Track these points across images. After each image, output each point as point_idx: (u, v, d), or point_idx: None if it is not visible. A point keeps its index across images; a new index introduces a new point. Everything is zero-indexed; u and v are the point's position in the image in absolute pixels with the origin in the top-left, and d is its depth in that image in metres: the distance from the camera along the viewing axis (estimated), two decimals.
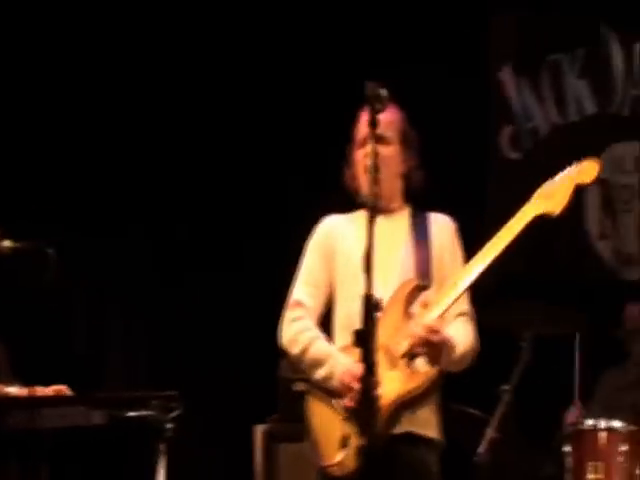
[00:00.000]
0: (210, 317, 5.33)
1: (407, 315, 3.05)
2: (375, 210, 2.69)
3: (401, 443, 2.99)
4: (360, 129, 3.17)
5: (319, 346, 3.10)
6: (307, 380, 3.13)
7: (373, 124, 2.76)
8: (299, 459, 4.00)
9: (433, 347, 2.97)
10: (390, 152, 3.12)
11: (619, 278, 5.33)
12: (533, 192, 4.98)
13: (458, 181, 5.10)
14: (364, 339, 2.58)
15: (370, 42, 5.19)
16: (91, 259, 5.17)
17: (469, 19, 5.20)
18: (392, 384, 2.97)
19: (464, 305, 3.13)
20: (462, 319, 3.10)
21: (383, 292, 2.93)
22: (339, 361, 3.04)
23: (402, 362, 3.00)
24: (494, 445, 3.85)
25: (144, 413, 3.71)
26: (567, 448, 4.01)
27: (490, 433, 3.84)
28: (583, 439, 4.03)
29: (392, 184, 3.17)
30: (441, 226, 3.20)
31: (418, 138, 3.18)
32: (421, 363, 3.03)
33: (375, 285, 2.91)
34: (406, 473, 3.00)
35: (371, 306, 2.59)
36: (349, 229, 3.19)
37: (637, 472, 3.89)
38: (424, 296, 3.06)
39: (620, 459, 3.92)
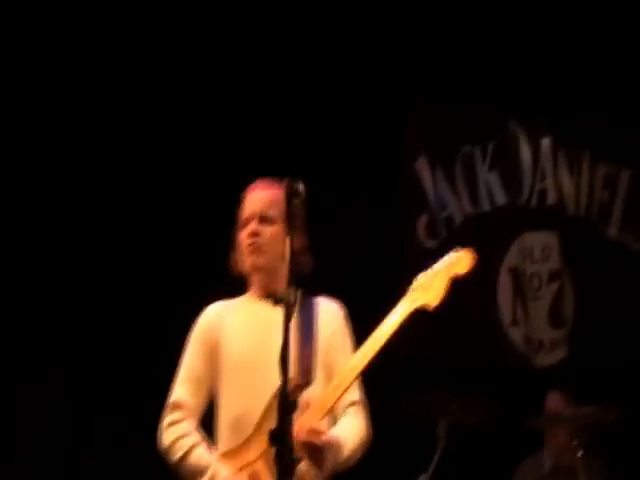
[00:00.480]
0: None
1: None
2: (287, 305, 2.64)
3: None
4: (244, 209, 3.13)
5: (198, 455, 3.00)
6: None
7: (290, 218, 2.73)
8: None
9: (316, 451, 2.88)
10: (273, 232, 3.07)
11: (531, 364, 5.46)
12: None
13: (375, 267, 5.16)
14: (280, 439, 2.54)
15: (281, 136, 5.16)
16: None
17: (385, 110, 5.27)
18: None
19: (355, 394, 3.07)
20: (352, 410, 3.05)
21: (265, 389, 2.90)
22: (219, 473, 2.95)
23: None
24: None
25: None
26: None
27: None
28: None
29: (276, 266, 3.08)
30: (330, 314, 3.14)
31: (305, 220, 3.04)
32: (306, 469, 2.93)
33: (256, 382, 2.97)
34: None
35: (287, 404, 2.57)
36: (234, 318, 3.11)
37: None
38: (305, 396, 2.95)
39: None
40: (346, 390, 2.94)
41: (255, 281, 3.16)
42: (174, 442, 3.04)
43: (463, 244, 5.25)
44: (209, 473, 2.97)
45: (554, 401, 4.87)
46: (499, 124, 5.60)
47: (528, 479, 4.83)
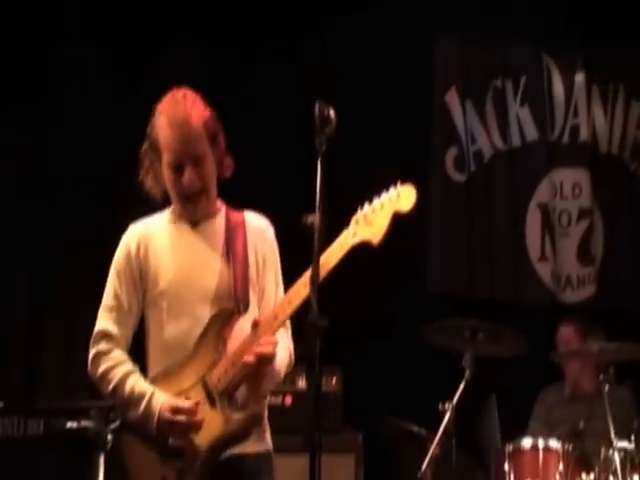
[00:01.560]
0: None
1: (223, 346, 2.91)
2: (317, 231, 2.54)
3: (226, 470, 2.87)
4: (167, 146, 2.96)
5: (132, 383, 2.92)
6: (121, 420, 2.97)
7: (321, 146, 2.59)
8: None
9: (259, 375, 2.84)
10: (207, 169, 2.98)
11: (558, 301, 5.43)
12: (475, 214, 5.41)
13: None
14: (311, 368, 2.47)
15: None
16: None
17: (416, 41, 5.24)
18: (210, 427, 2.85)
19: None
20: (281, 331, 2.97)
21: (197, 314, 2.87)
22: (156, 398, 2.87)
23: (222, 398, 2.88)
24: (436, 462, 3.91)
25: (83, 424, 3.71)
26: (506, 466, 4.09)
27: (432, 449, 3.89)
28: (522, 458, 4.11)
29: (211, 192, 3.02)
30: (259, 231, 3.05)
31: (219, 120, 2.98)
32: (241, 397, 2.90)
33: (188, 306, 2.90)
34: None
35: (319, 332, 2.49)
36: (161, 242, 3.01)
37: None
38: (241, 322, 2.92)
39: (557, 478, 4.02)
40: (296, 308, 2.84)
41: (190, 213, 3.04)
42: (106, 372, 2.95)
43: (492, 179, 5.52)
44: (145, 400, 2.88)
45: (563, 334, 4.87)
46: (532, 58, 5.55)
47: (549, 403, 4.87)
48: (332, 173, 2.60)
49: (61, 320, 5.02)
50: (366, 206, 2.86)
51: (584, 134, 5.53)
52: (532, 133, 5.56)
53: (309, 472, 2.44)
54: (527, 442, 4.16)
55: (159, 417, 2.86)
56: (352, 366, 4.74)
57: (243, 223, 3.03)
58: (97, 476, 3.73)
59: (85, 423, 3.74)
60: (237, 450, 2.90)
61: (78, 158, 4.98)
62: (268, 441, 3.01)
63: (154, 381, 2.95)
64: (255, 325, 2.87)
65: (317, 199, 2.56)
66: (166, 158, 2.99)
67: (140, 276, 3.00)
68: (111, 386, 2.94)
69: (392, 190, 2.85)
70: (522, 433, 4.41)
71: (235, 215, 3.06)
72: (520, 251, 5.47)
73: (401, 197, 2.84)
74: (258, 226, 3.08)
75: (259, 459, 2.96)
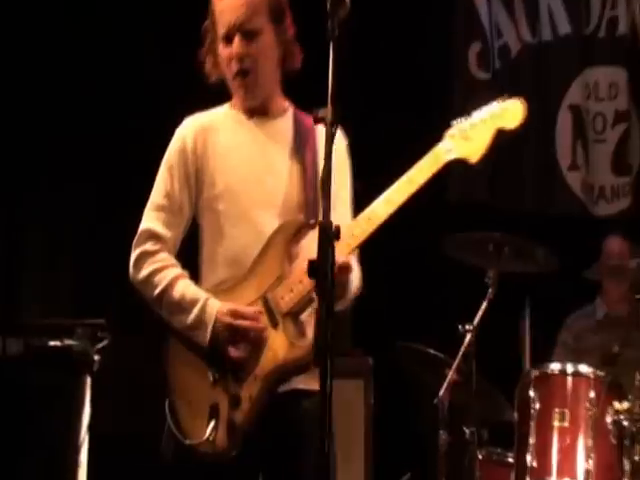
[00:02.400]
0: None
1: (290, 261, 2.73)
2: (330, 124, 2.32)
3: (283, 403, 2.68)
4: (221, 16, 2.80)
5: (184, 286, 2.73)
6: (169, 329, 2.75)
7: (333, 30, 2.38)
8: None
9: (341, 287, 2.64)
10: (261, 46, 2.78)
11: (590, 213, 5.23)
12: None
13: (423, 98, 5.01)
14: (321, 270, 2.24)
15: None
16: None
17: None
18: (271, 351, 2.66)
19: None
20: (352, 257, 2.80)
21: (261, 222, 2.71)
22: (212, 302, 2.69)
23: (286, 320, 2.68)
24: (455, 388, 3.79)
25: (67, 343, 3.52)
26: (532, 393, 3.86)
27: (451, 374, 3.77)
28: (549, 384, 3.89)
29: (269, 79, 2.82)
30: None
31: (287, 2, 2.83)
32: (308, 321, 2.70)
33: (250, 213, 2.73)
34: (292, 434, 2.66)
35: (329, 235, 2.27)
36: (221, 137, 2.84)
37: (607, 420, 3.75)
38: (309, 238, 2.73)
39: (587, 405, 3.78)
40: (376, 229, 2.69)
41: (243, 98, 2.85)
42: (152, 275, 2.75)
43: (519, 77, 5.30)
44: (200, 304, 2.68)
45: (615, 246, 4.73)
46: None
47: (577, 330, 4.73)
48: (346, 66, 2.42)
49: (41, 237, 4.88)
50: (463, 120, 2.76)
51: (622, 27, 5.23)
52: (564, 26, 5.30)
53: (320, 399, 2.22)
54: (555, 367, 3.94)
55: (216, 321, 2.66)
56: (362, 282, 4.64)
57: (313, 129, 2.81)
58: (83, 400, 3.62)
59: (69, 342, 3.59)
60: (300, 384, 2.68)
61: None
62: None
63: (208, 290, 2.75)
64: (336, 232, 2.57)
65: (329, 89, 2.35)
66: (218, 31, 2.81)
67: (196, 174, 2.81)
68: (158, 290, 2.73)
69: (495, 103, 2.75)
70: (549, 359, 4.33)
71: (305, 118, 2.86)
72: (548, 158, 5.26)
73: (507, 112, 2.73)
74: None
75: (311, 396, 2.69)
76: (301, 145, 2.81)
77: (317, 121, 2.43)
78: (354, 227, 2.68)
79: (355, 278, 2.75)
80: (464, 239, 4.07)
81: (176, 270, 2.76)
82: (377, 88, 4.90)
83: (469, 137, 2.73)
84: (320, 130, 2.80)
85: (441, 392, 3.75)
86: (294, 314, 2.69)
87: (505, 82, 5.25)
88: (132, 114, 4.94)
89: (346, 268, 2.62)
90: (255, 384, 2.63)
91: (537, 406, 3.83)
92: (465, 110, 4.86)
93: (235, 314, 2.65)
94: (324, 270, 2.24)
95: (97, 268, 4.84)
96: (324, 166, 2.31)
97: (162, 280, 2.74)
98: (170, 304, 2.72)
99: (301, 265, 2.66)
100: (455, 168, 5.11)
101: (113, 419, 4.26)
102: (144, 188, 2.87)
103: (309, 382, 2.65)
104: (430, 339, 4.14)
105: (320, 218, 2.52)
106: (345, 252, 2.62)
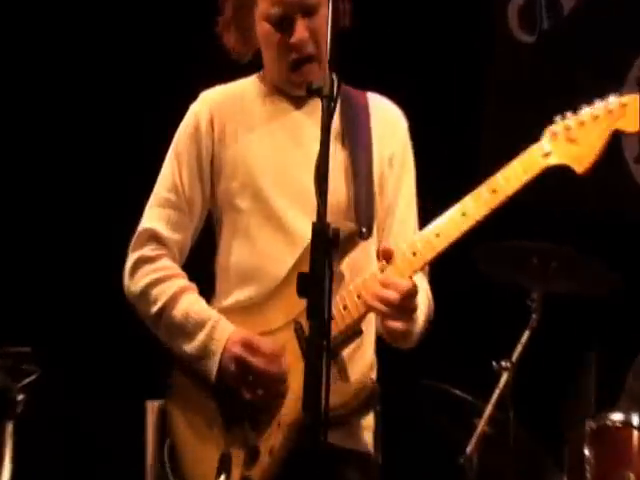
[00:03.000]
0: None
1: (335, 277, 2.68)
2: (327, 98, 2.36)
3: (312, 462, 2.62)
4: None
5: (189, 303, 2.79)
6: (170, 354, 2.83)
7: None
8: None
9: (390, 325, 2.68)
10: (322, 22, 2.83)
11: None
12: (548, 89, 5.26)
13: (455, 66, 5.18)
14: (314, 286, 2.24)
15: None
16: None
17: None
18: (298, 393, 2.61)
19: None
20: (419, 275, 2.86)
21: (295, 226, 2.76)
22: (222, 326, 2.74)
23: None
24: (486, 442, 3.83)
25: None
26: (587, 452, 3.84)
27: (481, 425, 3.81)
28: (609, 440, 3.86)
29: (325, 57, 2.83)
30: (388, 122, 2.95)
31: None
32: (357, 359, 2.78)
33: (281, 215, 2.78)
34: None
35: (325, 240, 2.28)
36: (246, 111, 2.90)
37: None
38: (379, 243, 2.83)
39: None
40: (451, 244, 2.71)
41: (285, 79, 2.89)
42: (150, 286, 2.80)
43: (574, 39, 5.32)
44: (207, 327, 2.73)
45: None
46: None
47: None
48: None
49: None
50: (569, 115, 2.73)
51: None
52: None
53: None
54: (617, 418, 3.89)
55: (225, 351, 2.71)
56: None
57: (366, 107, 2.92)
58: (2, 454, 3.63)
59: None
60: (335, 440, 2.66)
61: None
62: (370, 439, 2.85)
63: (224, 315, 2.82)
64: (386, 256, 2.69)
65: (327, 53, 2.43)
66: (264, 8, 2.86)
67: (211, 163, 2.88)
68: (156, 307, 2.78)
69: (612, 98, 2.70)
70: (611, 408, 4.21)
71: (355, 94, 2.95)
72: (610, 147, 5.19)
73: (627, 110, 2.69)
74: (388, 114, 2.96)
75: (360, 461, 2.81)
76: (350, 129, 2.86)
77: (310, 93, 2.46)
78: (417, 244, 2.70)
79: (423, 304, 2.80)
80: (501, 250, 4.07)
81: (181, 282, 2.80)
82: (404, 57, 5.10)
83: (576, 139, 2.70)
84: (375, 106, 2.91)
85: (469, 448, 3.75)
86: (335, 347, 2.67)
87: (555, 46, 5.35)
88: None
89: (409, 293, 2.64)
90: (278, 434, 2.66)
91: (594, 469, 3.81)
92: (503, 84, 4.93)
93: (249, 346, 2.68)
94: (318, 287, 2.21)
95: (22, 282, 4.97)
96: (320, 153, 2.30)
97: (162, 294, 2.78)
98: (170, 325, 2.77)
99: (346, 284, 2.73)
100: (488, 154, 5.31)
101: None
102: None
103: (346, 439, 2.73)
104: (456, 378, 4.15)
105: (354, 224, 2.68)
106: (407, 273, 2.67)
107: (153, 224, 2.85)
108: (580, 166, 2.71)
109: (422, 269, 2.76)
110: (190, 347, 2.74)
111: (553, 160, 2.71)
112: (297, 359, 2.69)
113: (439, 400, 4.19)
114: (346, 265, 2.76)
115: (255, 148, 2.86)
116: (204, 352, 2.72)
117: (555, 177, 5.19)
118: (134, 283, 2.83)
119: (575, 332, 4.62)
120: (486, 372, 3.86)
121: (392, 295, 2.62)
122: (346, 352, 2.74)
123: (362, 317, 2.71)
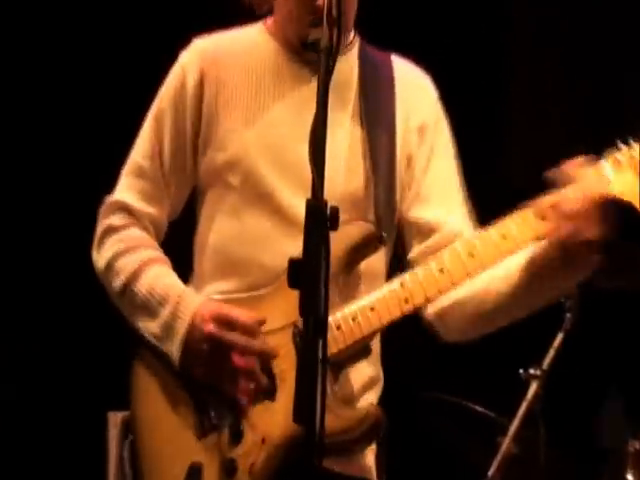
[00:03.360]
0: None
1: (346, 285, 2.75)
2: (324, 53, 2.33)
3: None
4: None
5: (154, 276, 2.76)
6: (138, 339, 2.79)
7: None
8: None
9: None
10: None
11: None
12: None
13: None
14: (308, 275, 2.19)
15: None
16: None
17: None
18: (290, 412, 2.52)
19: None
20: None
21: (301, 221, 2.57)
22: (185, 302, 2.70)
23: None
24: (512, 465, 3.85)
25: None
26: (630, 476, 3.95)
27: (506, 444, 3.84)
28: None
29: (350, 23, 2.87)
30: (416, 89, 2.92)
31: None
32: (361, 379, 2.78)
33: (279, 202, 2.75)
34: None
35: (323, 219, 2.25)
36: (245, 68, 2.86)
37: None
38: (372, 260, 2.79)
39: None
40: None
41: (296, 26, 2.81)
42: (115, 257, 2.79)
43: None
44: (172, 300, 2.69)
45: None
46: None
47: None
48: None
49: None
50: (634, 144, 2.68)
51: None
52: None
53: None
54: None
55: (191, 329, 2.65)
56: None
57: (390, 74, 2.89)
58: None
59: None
60: (333, 464, 2.65)
61: None
62: (372, 463, 2.86)
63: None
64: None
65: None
66: None
67: (197, 128, 2.84)
68: (120, 280, 2.77)
69: None
70: None
71: (379, 58, 2.92)
72: None
73: None
74: (415, 81, 2.92)
75: None
76: (370, 103, 2.83)
77: (307, 47, 2.47)
78: (477, 243, 2.67)
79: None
80: None
81: (149, 252, 2.79)
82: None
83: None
84: (400, 71, 2.86)
85: (491, 471, 3.79)
86: (337, 364, 2.68)
87: None
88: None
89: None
90: (261, 450, 2.62)
91: None
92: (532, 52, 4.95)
93: (223, 319, 2.62)
94: (313, 276, 2.17)
95: None
96: (316, 116, 2.27)
97: (126, 266, 2.76)
98: (134, 301, 2.74)
99: (360, 294, 2.72)
100: (520, 136, 5.26)
101: None
102: None
103: (343, 463, 2.71)
104: (475, 390, 4.18)
105: (374, 226, 2.68)
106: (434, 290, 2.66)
107: (123, 195, 2.84)
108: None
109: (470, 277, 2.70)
110: (153, 326, 2.70)
111: (613, 188, 2.66)
112: (292, 368, 2.60)
113: (455, 417, 4.23)
114: (362, 271, 2.76)
115: (253, 117, 2.81)
116: (167, 331, 2.68)
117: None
118: (101, 256, 2.82)
119: (618, 335, 4.65)
120: (512, 382, 3.89)
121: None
122: (353, 375, 2.74)
123: (373, 334, 2.68)
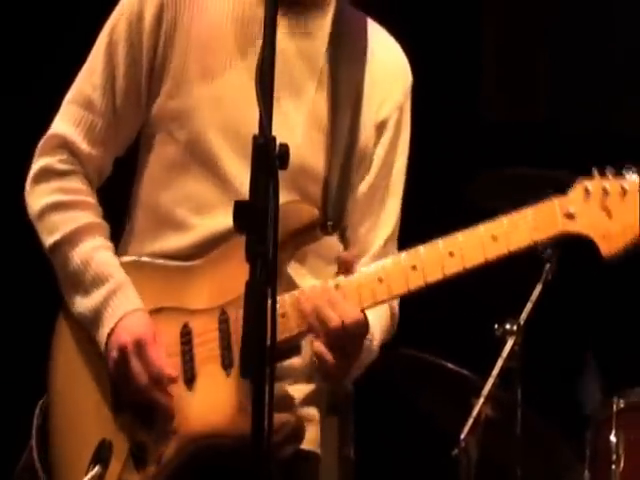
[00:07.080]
0: None
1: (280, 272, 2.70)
2: None
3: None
4: None
5: (92, 249, 2.78)
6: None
7: None
8: None
9: (347, 350, 2.68)
10: None
11: None
12: None
13: None
14: (254, 216, 2.22)
15: None
16: None
17: None
18: (209, 403, 2.70)
19: (389, 228, 2.91)
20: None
21: (244, 185, 2.53)
22: (118, 300, 2.74)
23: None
24: (487, 429, 3.85)
25: None
26: (613, 437, 3.94)
27: (480, 406, 3.82)
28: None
29: None
30: (389, 74, 2.91)
31: None
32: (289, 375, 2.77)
33: (224, 169, 2.77)
34: None
35: (271, 157, 2.26)
36: (209, 7, 2.83)
37: None
38: (341, 250, 2.81)
39: None
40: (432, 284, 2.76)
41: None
42: (54, 208, 2.79)
43: None
44: (105, 290, 2.74)
45: None
46: None
47: None
48: None
49: None
50: (610, 176, 2.69)
51: None
52: None
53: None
54: None
55: (112, 333, 2.72)
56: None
57: (365, 43, 2.88)
58: None
59: None
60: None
61: None
62: (315, 435, 2.90)
63: (134, 270, 2.83)
64: (347, 268, 2.70)
65: None
66: None
67: (152, 67, 2.82)
68: (54, 237, 2.79)
69: None
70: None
71: (355, 22, 2.91)
72: None
73: None
74: (391, 60, 2.93)
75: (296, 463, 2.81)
76: (340, 71, 2.82)
77: None
78: (389, 267, 2.68)
79: (376, 339, 2.81)
80: (505, 180, 4.10)
81: (90, 217, 2.79)
82: None
83: (611, 210, 2.66)
84: (375, 50, 2.85)
85: (463, 434, 3.76)
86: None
87: None
88: None
89: (356, 327, 2.63)
90: (172, 442, 2.65)
91: (622, 459, 3.92)
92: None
93: (137, 344, 2.66)
94: (260, 218, 2.19)
95: None
96: (260, 57, 2.25)
97: (63, 225, 2.77)
98: (65, 266, 2.77)
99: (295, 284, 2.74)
100: (492, 68, 5.22)
101: None
102: None
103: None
104: (448, 346, 4.24)
105: (318, 211, 2.69)
106: (362, 303, 2.66)
107: (67, 129, 2.80)
108: (607, 247, 2.66)
109: (387, 301, 2.74)
110: (83, 304, 2.73)
111: (574, 227, 2.68)
112: (214, 357, 2.67)
113: (425, 376, 4.24)
114: (300, 257, 2.76)
115: (210, 72, 2.78)
116: (95, 318, 2.72)
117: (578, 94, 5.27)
118: (35, 196, 2.80)
119: (601, 288, 4.64)
120: (487, 338, 3.88)
121: (334, 320, 2.60)
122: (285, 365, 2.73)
123: (303, 334, 2.68)
